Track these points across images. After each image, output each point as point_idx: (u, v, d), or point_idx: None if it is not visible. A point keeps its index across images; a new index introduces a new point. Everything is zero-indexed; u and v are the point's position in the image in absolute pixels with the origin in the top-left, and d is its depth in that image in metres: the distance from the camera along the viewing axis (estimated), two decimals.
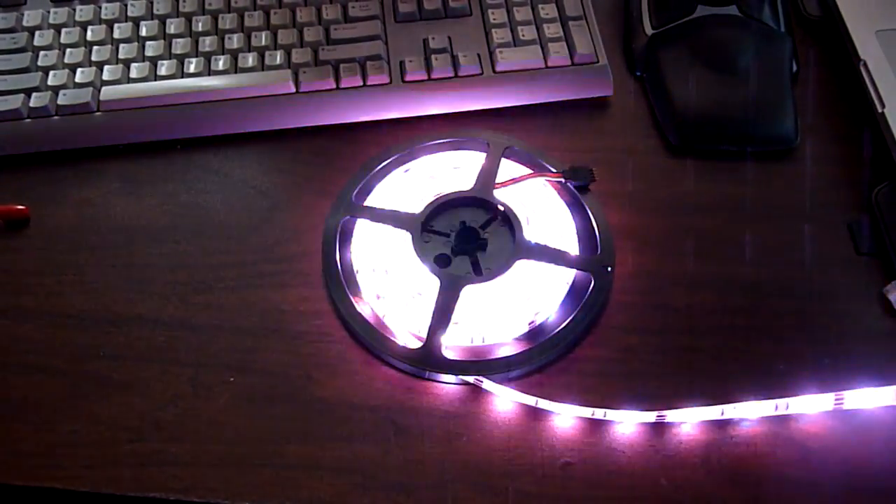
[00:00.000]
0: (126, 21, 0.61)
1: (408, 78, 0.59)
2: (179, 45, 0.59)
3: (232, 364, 0.49)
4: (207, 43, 0.59)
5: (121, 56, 0.59)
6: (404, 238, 0.51)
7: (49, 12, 0.61)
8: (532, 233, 0.52)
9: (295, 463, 0.45)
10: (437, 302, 0.49)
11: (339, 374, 0.48)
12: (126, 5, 0.61)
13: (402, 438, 0.46)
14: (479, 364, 0.48)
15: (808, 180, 0.55)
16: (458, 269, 0.51)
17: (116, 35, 0.60)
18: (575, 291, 0.51)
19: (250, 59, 0.59)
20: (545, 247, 0.51)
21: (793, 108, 0.57)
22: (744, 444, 0.46)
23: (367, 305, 0.50)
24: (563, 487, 0.44)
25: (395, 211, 0.53)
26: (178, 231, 0.54)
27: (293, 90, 0.58)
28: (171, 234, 0.54)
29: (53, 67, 0.59)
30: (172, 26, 0.60)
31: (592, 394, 0.47)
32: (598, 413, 0.46)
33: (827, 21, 0.62)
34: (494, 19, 0.61)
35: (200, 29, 0.60)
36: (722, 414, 0.46)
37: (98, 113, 0.57)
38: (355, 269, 0.52)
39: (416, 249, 0.50)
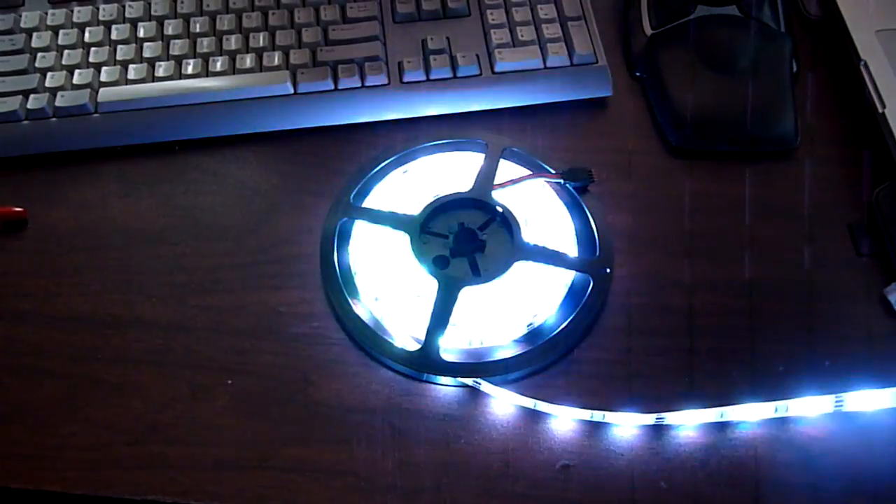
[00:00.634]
0: (124, 22, 0.61)
1: (406, 79, 0.58)
2: (177, 47, 0.59)
3: (229, 366, 0.49)
4: (205, 44, 0.59)
5: (118, 57, 0.59)
6: (403, 239, 0.51)
7: (47, 14, 0.61)
8: (531, 234, 0.52)
9: (292, 466, 0.45)
10: (435, 304, 0.49)
11: (337, 377, 0.48)
12: (124, 6, 0.61)
13: (400, 441, 0.46)
14: (478, 366, 0.48)
15: (808, 181, 0.55)
16: (456, 270, 0.50)
17: (114, 36, 0.60)
18: (574, 293, 0.51)
19: (248, 60, 0.59)
20: (544, 248, 0.51)
21: (793, 108, 0.57)
22: (743, 447, 0.45)
23: (365, 307, 0.50)
24: (562, 490, 0.44)
25: (393, 212, 0.52)
26: (175, 233, 0.54)
27: (291, 91, 0.58)
28: (169, 236, 0.54)
29: (51, 69, 0.58)
30: (170, 27, 0.60)
31: (591, 396, 0.47)
32: (597, 415, 0.46)
33: (827, 21, 0.62)
34: (493, 20, 0.60)
35: (198, 30, 0.60)
36: (721, 416, 0.46)
37: (96, 114, 0.57)
38: (353, 270, 0.52)
39: (414, 251, 0.50)
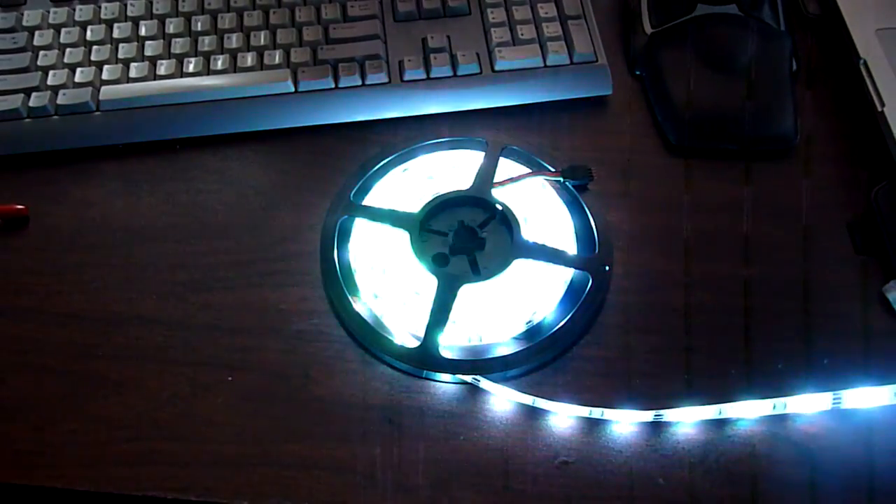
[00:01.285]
0: (125, 21, 0.61)
1: (407, 77, 0.59)
2: (179, 45, 0.59)
3: (230, 363, 0.49)
4: (206, 42, 0.60)
5: (120, 56, 0.59)
6: (402, 237, 0.51)
7: (49, 12, 0.61)
8: (530, 232, 0.52)
9: (292, 462, 0.46)
10: (434, 301, 0.49)
11: (337, 374, 0.48)
12: (125, 5, 0.61)
13: (400, 438, 0.46)
14: (477, 363, 0.48)
15: (806, 179, 0.55)
16: (455, 268, 0.51)
17: (116, 35, 0.60)
18: (573, 291, 0.51)
19: (249, 59, 0.59)
20: (543, 246, 0.51)
21: (792, 107, 0.57)
22: (741, 444, 0.46)
23: (364, 305, 0.50)
24: (561, 486, 0.44)
25: (393, 210, 0.53)
26: (176, 231, 0.55)
27: (292, 89, 0.58)
28: (170, 234, 0.54)
29: (53, 67, 0.59)
30: (172, 26, 0.60)
31: (590, 393, 0.47)
32: (596, 412, 0.46)
33: (827, 20, 0.62)
34: (493, 18, 0.60)
35: (200, 28, 0.60)
36: (720, 413, 0.46)
37: (97, 112, 0.58)
38: (353, 268, 0.52)
39: (414, 249, 0.50)
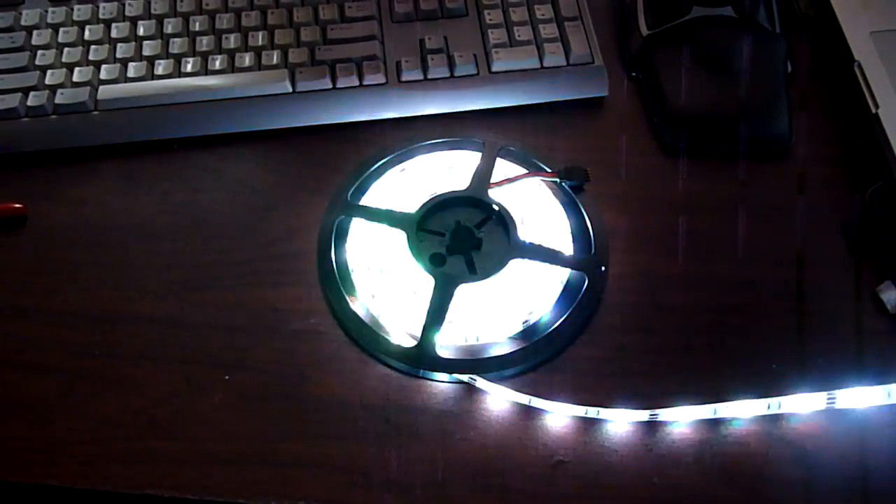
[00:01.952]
0: (124, 20, 0.61)
1: (404, 78, 0.59)
2: (176, 45, 0.60)
3: (227, 362, 0.49)
4: (204, 42, 0.60)
5: (118, 55, 0.59)
6: (399, 237, 0.51)
7: (47, 12, 0.61)
8: (526, 232, 0.52)
9: (289, 461, 0.46)
10: (431, 301, 0.49)
11: (334, 373, 0.49)
12: (124, 5, 0.61)
13: (396, 437, 0.46)
14: (474, 363, 0.48)
15: (801, 180, 0.56)
16: (452, 268, 0.51)
17: (114, 34, 0.60)
18: (569, 291, 0.51)
19: (247, 59, 0.59)
20: (539, 246, 0.51)
21: (787, 108, 0.57)
22: (736, 443, 0.46)
23: (362, 304, 0.51)
24: (556, 486, 0.45)
25: (390, 210, 0.53)
26: (174, 230, 0.55)
27: (290, 90, 0.58)
28: (168, 233, 0.54)
29: (51, 66, 0.59)
30: (170, 26, 0.61)
31: (586, 392, 0.47)
32: (592, 412, 0.46)
33: (822, 22, 0.62)
34: (491, 20, 0.61)
35: (197, 28, 0.60)
36: (715, 413, 0.46)
37: (95, 112, 0.58)
38: (350, 268, 0.52)
39: (411, 248, 0.51)
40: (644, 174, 0.57)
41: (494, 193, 0.53)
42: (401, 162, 0.57)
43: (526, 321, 0.50)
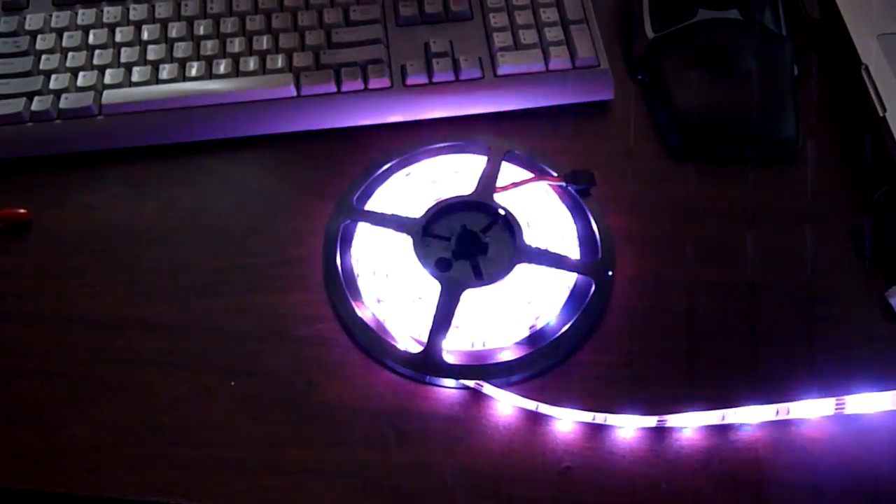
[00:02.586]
0: (128, 25, 0.61)
1: (409, 82, 0.59)
2: (181, 49, 0.59)
3: (233, 368, 0.49)
4: (209, 46, 0.60)
5: (122, 60, 0.59)
6: (405, 242, 0.51)
7: (51, 16, 0.61)
8: (533, 237, 0.52)
9: (295, 467, 0.45)
10: (437, 306, 0.49)
11: (340, 379, 0.48)
12: (128, 9, 0.61)
13: (403, 443, 0.46)
14: (480, 368, 0.48)
15: (809, 184, 0.55)
16: (458, 273, 0.51)
17: (118, 39, 0.60)
18: (576, 296, 0.51)
19: (251, 63, 0.59)
20: (546, 251, 0.51)
21: (794, 111, 0.57)
22: (745, 449, 0.46)
23: (367, 309, 0.50)
24: (564, 492, 0.44)
25: (395, 215, 0.53)
26: (179, 235, 0.55)
27: (294, 94, 0.58)
28: (172, 238, 0.54)
29: (55, 71, 0.59)
30: (174, 30, 0.60)
31: (593, 398, 0.47)
32: (599, 418, 0.46)
33: (828, 24, 0.62)
34: (496, 23, 0.61)
35: (202, 32, 0.60)
36: (723, 419, 0.46)
37: (100, 116, 0.58)
38: (356, 272, 0.52)
39: (416, 253, 0.50)
40: (650, 178, 0.56)
41: (500, 198, 0.53)
42: (406, 166, 0.56)
43: (532, 326, 0.50)
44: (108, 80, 0.58)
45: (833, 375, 0.47)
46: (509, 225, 0.52)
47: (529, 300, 0.50)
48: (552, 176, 0.55)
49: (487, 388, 0.47)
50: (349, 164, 0.57)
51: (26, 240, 0.55)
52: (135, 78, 0.59)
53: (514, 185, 0.54)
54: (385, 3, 0.62)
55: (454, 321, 0.49)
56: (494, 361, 0.48)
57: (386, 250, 0.52)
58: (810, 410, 0.46)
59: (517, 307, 0.50)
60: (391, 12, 0.62)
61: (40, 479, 0.46)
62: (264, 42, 0.60)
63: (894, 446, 0.46)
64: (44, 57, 0.59)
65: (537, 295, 0.51)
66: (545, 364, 0.48)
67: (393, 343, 0.49)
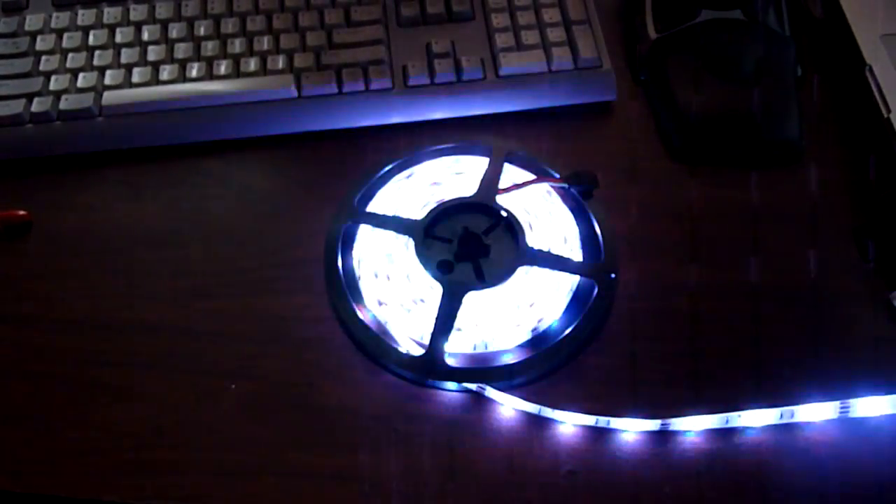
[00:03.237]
0: (128, 25, 0.61)
1: (410, 83, 0.58)
2: (181, 50, 0.59)
3: (234, 371, 0.49)
4: (209, 47, 0.59)
5: (123, 60, 0.59)
6: (407, 244, 0.51)
7: (51, 17, 0.61)
8: (535, 239, 0.52)
9: (296, 471, 0.45)
10: (439, 309, 0.48)
11: (341, 382, 0.48)
12: (128, 10, 0.61)
13: (405, 446, 0.46)
14: (482, 371, 0.48)
15: (813, 186, 0.55)
16: (460, 275, 0.50)
17: (118, 39, 0.60)
18: (578, 298, 0.50)
19: (252, 64, 0.59)
20: (548, 253, 0.51)
21: (798, 113, 0.57)
22: (749, 453, 0.45)
23: (369, 312, 0.50)
24: (567, 496, 0.44)
25: (397, 217, 0.52)
26: (179, 237, 0.54)
27: (295, 95, 0.58)
28: (173, 240, 0.54)
29: (55, 72, 0.58)
30: (174, 31, 0.60)
31: (596, 402, 0.47)
32: (602, 421, 0.46)
33: (832, 25, 0.61)
34: (498, 24, 0.60)
35: (202, 33, 0.60)
36: (727, 422, 0.46)
37: (100, 118, 0.57)
38: (357, 274, 0.52)
39: (418, 255, 0.50)
40: (653, 179, 0.56)
41: (502, 199, 0.53)
42: (408, 167, 0.56)
43: (535, 329, 0.50)
44: (108, 81, 0.58)
45: (837, 379, 0.47)
46: (511, 227, 0.52)
47: (532, 303, 0.50)
48: (554, 177, 0.55)
49: (489, 392, 0.47)
50: (350, 165, 0.57)
51: (26, 241, 0.54)
52: (135, 79, 0.58)
53: (517, 186, 0.54)
54: (386, 3, 0.62)
55: (456, 324, 0.48)
56: (496, 364, 0.48)
57: (387, 252, 0.52)
58: (814, 414, 0.46)
59: (519, 310, 0.50)
60: (392, 13, 0.62)
61: (39, 482, 0.45)
62: (265, 43, 0.59)
63: None
64: (44, 58, 0.59)
65: (540, 297, 0.50)
66: (548, 367, 0.48)
67: (394, 346, 0.48)
